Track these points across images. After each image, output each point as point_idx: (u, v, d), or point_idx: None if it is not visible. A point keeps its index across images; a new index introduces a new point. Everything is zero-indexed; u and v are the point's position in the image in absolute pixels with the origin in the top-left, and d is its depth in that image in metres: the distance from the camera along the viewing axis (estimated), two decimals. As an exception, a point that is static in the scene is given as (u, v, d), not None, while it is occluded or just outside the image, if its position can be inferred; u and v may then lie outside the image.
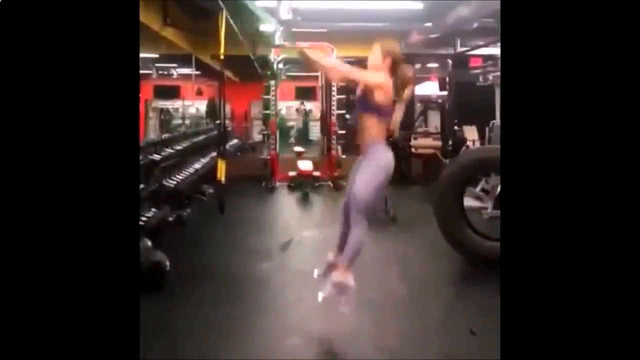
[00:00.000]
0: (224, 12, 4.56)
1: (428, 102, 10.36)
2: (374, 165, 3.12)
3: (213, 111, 14.60)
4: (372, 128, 3.13)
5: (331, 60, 3.37)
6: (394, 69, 3.17)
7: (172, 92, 15.83)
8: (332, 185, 8.39)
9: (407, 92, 3.26)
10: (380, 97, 3.07)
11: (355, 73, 3.16)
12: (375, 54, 3.19)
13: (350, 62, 3.53)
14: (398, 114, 3.28)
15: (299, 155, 9.25)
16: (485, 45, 7.89)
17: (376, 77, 3.12)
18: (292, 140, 15.12)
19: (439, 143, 9.37)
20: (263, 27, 7.28)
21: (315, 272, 3.49)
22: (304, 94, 16.25)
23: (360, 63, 3.35)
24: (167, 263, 3.71)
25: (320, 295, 3.16)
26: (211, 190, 6.56)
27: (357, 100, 3.21)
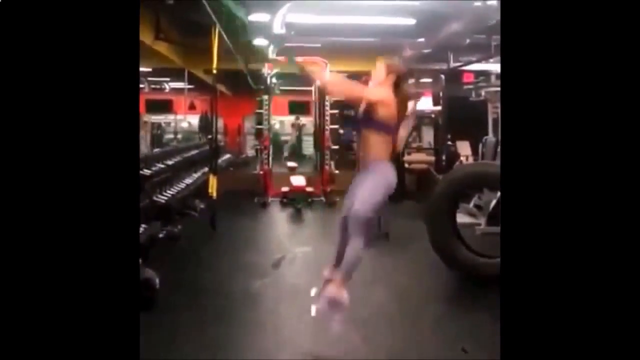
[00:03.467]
0: (217, 27, 4.55)
1: (421, 118, 10.38)
2: (376, 181, 3.06)
3: (206, 125, 14.58)
4: (376, 145, 3.07)
5: (332, 76, 3.35)
6: (397, 86, 3.14)
7: (164, 106, 15.80)
8: (325, 201, 8.35)
9: (409, 108, 3.25)
10: (383, 113, 3.02)
11: (357, 89, 3.12)
12: (379, 71, 3.17)
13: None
14: (403, 132, 3.26)
15: (292, 170, 9.22)
16: (478, 61, 7.93)
17: (379, 92, 3.08)
18: (285, 155, 15.12)
19: (432, 158, 9.38)
20: (256, 42, 7.28)
21: (313, 291, 3.44)
22: (298, 108, 16.26)
23: (355, 78, 3.34)
24: (157, 280, 3.63)
25: (314, 309, 3.12)
26: (203, 206, 6.50)
27: (361, 117, 3.15)
